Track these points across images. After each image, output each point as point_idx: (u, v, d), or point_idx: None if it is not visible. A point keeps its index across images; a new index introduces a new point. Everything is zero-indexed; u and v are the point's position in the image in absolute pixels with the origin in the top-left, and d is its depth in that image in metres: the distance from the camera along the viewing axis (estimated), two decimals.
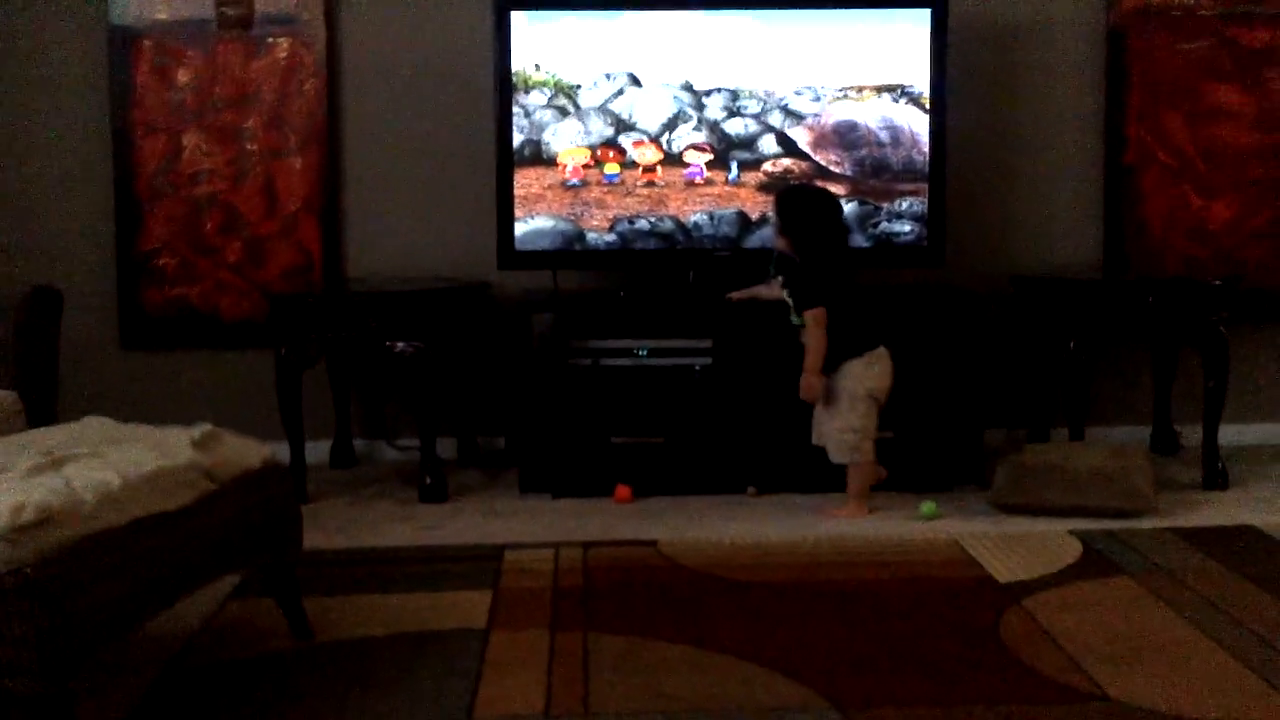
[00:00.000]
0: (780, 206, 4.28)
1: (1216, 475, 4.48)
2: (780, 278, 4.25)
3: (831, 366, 4.18)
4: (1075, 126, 5.07)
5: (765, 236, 4.60)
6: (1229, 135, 5.06)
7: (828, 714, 2.67)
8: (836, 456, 4.21)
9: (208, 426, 2.96)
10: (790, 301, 4.21)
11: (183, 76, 4.89)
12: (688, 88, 4.62)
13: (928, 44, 4.60)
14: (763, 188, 4.63)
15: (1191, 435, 4.77)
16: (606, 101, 4.61)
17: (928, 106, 4.62)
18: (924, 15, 4.60)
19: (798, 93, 4.62)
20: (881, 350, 4.20)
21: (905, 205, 4.64)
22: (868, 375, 4.18)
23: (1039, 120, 5.05)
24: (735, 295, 4.44)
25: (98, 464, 2.63)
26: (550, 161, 4.61)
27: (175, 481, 2.71)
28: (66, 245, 4.92)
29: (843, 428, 4.18)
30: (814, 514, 4.20)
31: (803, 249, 4.19)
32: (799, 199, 4.31)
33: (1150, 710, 2.67)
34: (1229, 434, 4.68)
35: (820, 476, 4.33)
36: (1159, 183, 5.06)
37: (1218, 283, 4.50)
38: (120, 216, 4.91)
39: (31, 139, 4.90)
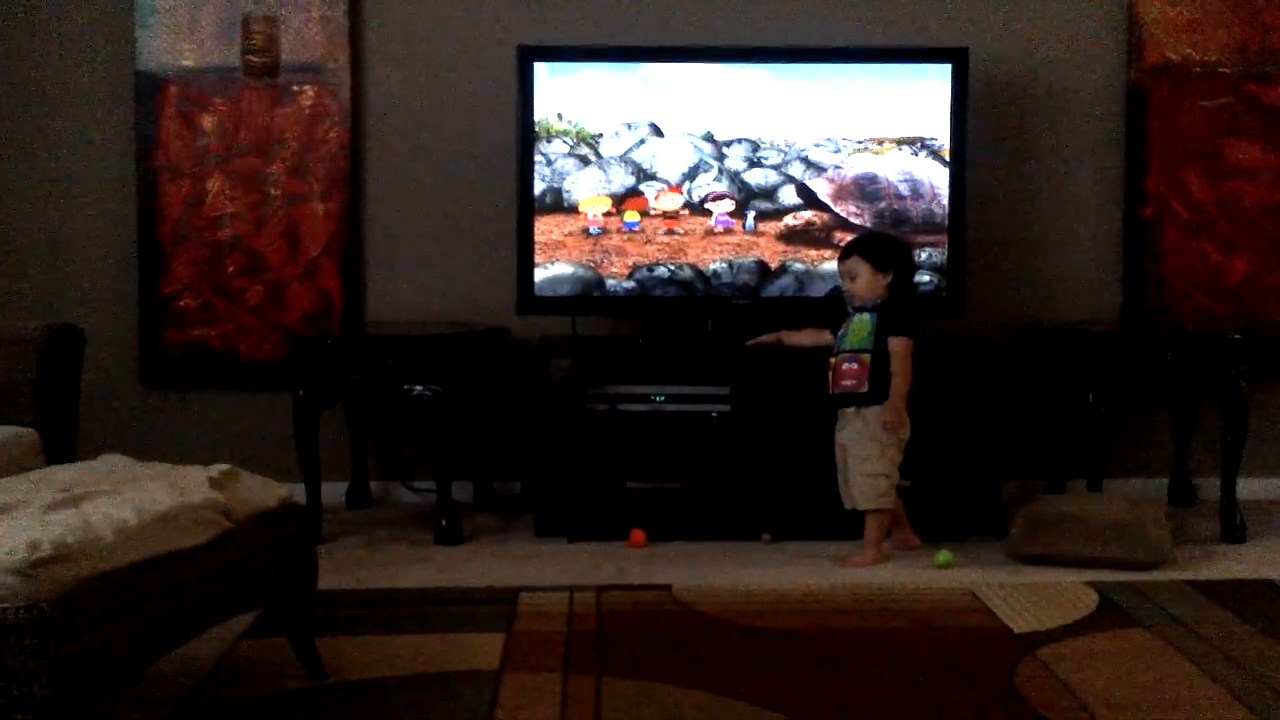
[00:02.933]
0: (874, 248, 4.29)
1: (1234, 528, 4.46)
2: (843, 322, 4.28)
3: (859, 404, 4.19)
4: (1095, 180, 5.08)
5: (784, 285, 4.63)
6: (1248, 191, 5.06)
7: None
8: (864, 503, 4.20)
9: (225, 466, 2.97)
10: (864, 321, 4.21)
11: (208, 122, 4.94)
12: (709, 138, 4.65)
13: (948, 98, 4.63)
14: (782, 237, 4.65)
15: (1209, 488, 4.75)
16: (628, 151, 4.65)
17: (948, 159, 4.65)
18: (945, 70, 4.63)
19: (818, 145, 4.65)
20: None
21: (925, 256, 4.65)
22: (893, 421, 4.18)
23: (1059, 174, 5.07)
24: (762, 340, 4.46)
25: (115, 501, 2.64)
26: (571, 209, 4.64)
27: (192, 520, 2.72)
28: (90, 285, 4.97)
29: (873, 473, 4.17)
30: (830, 561, 4.19)
31: (899, 285, 4.26)
32: (893, 240, 4.42)
33: None
34: (1247, 487, 4.66)
35: (836, 524, 4.32)
36: (1178, 237, 5.06)
37: (1236, 336, 4.49)
38: (143, 258, 4.95)
39: (58, 181, 4.95)
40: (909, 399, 4.20)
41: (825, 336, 4.36)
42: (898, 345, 4.17)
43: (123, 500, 2.65)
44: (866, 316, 4.23)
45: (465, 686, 3.07)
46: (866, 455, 4.18)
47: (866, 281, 4.23)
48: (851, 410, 4.21)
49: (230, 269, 4.97)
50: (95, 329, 4.27)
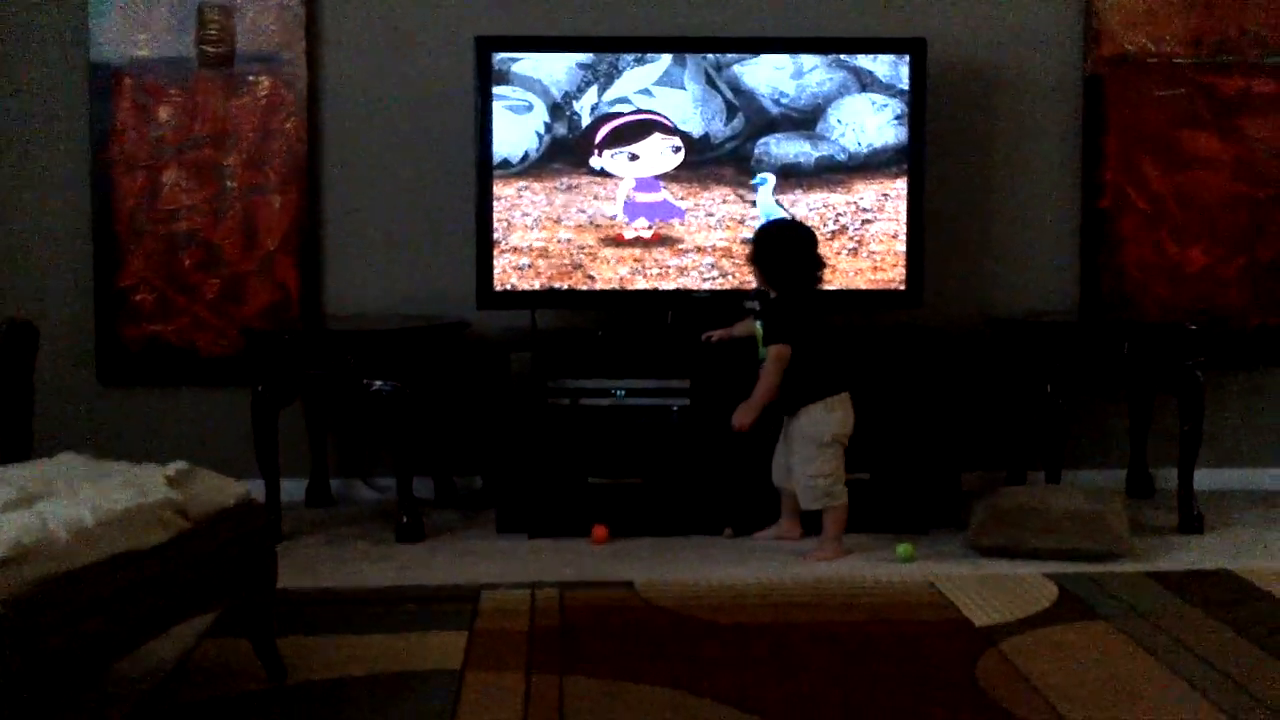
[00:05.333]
0: (755, 239, 4.30)
1: (1192, 519, 4.49)
2: (754, 313, 4.27)
3: (792, 409, 4.20)
4: (1053, 171, 5.10)
5: (741, 279, 4.62)
6: (1205, 182, 5.09)
7: None
8: (809, 504, 4.21)
9: (183, 464, 2.95)
10: (759, 332, 4.23)
11: (163, 114, 4.89)
12: (670, 129, 4.64)
13: (906, 89, 4.64)
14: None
15: (1167, 479, 4.78)
16: None
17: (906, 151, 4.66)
18: (903, 61, 4.63)
19: (774, 131, 4.65)
20: (844, 395, 4.22)
21: (883, 248, 4.66)
22: (829, 420, 4.19)
23: (1017, 164, 5.08)
24: (713, 335, 4.45)
25: (72, 502, 2.62)
26: None
27: (149, 519, 2.70)
28: (44, 281, 4.90)
29: (813, 474, 4.18)
30: (791, 556, 4.19)
31: (776, 283, 4.22)
32: (774, 232, 4.33)
33: None
34: (1205, 478, 4.70)
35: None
36: (1135, 228, 5.09)
37: (1193, 327, 4.52)
38: (99, 252, 4.89)
39: (11, 174, 4.89)
40: (853, 396, 4.23)
41: (750, 325, 4.35)
42: (771, 351, 4.17)
43: (79, 500, 2.63)
44: (756, 324, 4.25)
45: (427, 686, 3.05)
46: (806, 457, 4.19)
47: (759, 277, 4.28)
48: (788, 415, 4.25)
49: (187, 263, 4.92)
50: (50, 325, 4.22)
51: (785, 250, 4.24)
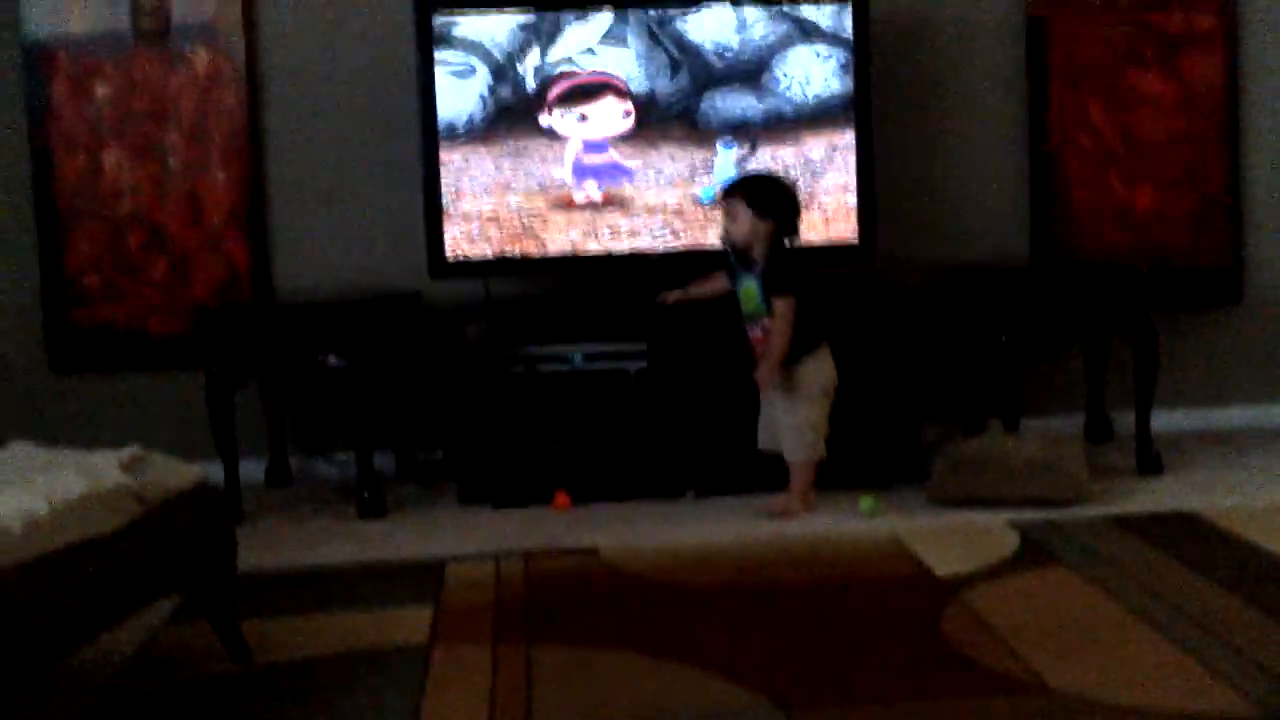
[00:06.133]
0: (756, 190, 4.20)
1: (1151, 461, 4.52)
2: (733, 268, 4.23)
3: (787, 362, 4.17)
4: (999, 115, 5.09)
5: (694, 239, 4.60)
6: (1150, 121, 5.10)
7: (773, 715, 2.67)
8: (797, 454, 4.19)
9: (136, 449, 2.91)
10: (751, 289, 4.18)
11: (100, 91, 4.81)
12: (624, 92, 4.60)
13: (849, 38, 4.61)
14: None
15: (1125, 422, 4.81)
16: None
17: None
18: (845, 9, 4.60)
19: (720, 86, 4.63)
20: (826, 347, 4.21)
21: (834, 200, 4.65)
22: (821, 371, 4.19)
23: (963, 110, 5.07)
24: (670, 296, 4.42)
25: (24, 491, 2.58)
26: None
27: (104, 506, 2.67)
28: None
29: (804, 425, 4.17)
30: (757, 513, 4.19)
31: (783, 233, 4.19)
32: (776, 183, 4.29)
33: (1091, 699, 2.68)
34: (1161, 419, 4.72)
35: (758, 477, 4.33)
36: (1082, 170, 5.09)
37: (1144, 269, 4.54)
38: (41, 235, 4.82)
39: None
40: (832, 349, 4.22)
41: (722, 281, 4.32)
42: (780, 306, 4.12)
43: (32, 490, 2.60)
44: (751, 282, 4.18)
45: (395, 662, 3.04)
46: (795, 409, 4.18)
47: (746, 225, 4.15)
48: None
49: (133, 243, 4.85)
50: None
51: (787, 198, 4.22)
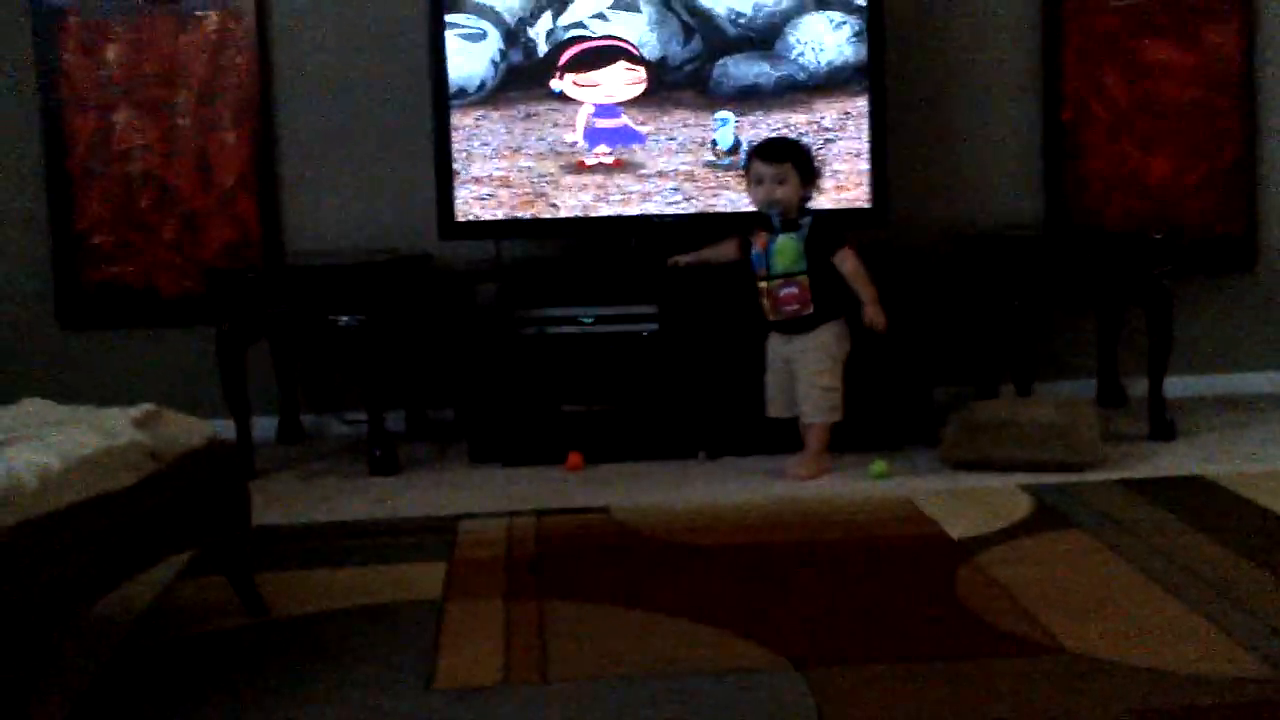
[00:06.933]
0: (803, 157, 4.26)
1: (1163, 426, 4.51)
2: (772, 229, 4.22)
3: (812, 325, 4.18)
4: (1014, 84, 5.07)
5: (705, 203, 4.58)
6: (1166, 90, 5.07)
7: (787, 674, 2.67)
8: (819, 416, 4.20)
9: (150, 406, 2.91)
10: (789, 246, 4.18)
11: (111, 53, 4.80)
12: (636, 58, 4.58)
13: (863, 4, 4.58)
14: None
15: (1138, 388, 4.79)
16: None
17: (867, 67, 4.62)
18: None
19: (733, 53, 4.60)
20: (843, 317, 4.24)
21: (847, 167, 4.63)
22: (845, 334, 4.22)
23: (977, 78, 5.05)
24: (682, 259, 4.41)
25: (38, 447, 2.58)
26: None
27: (118, 462, 2.67)
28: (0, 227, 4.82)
29: (829, 386, 4.18)
30: (774, 476, 4.18)
31: (811, 192, 4.28)
32: (807, 148, 4.36)
33: (1105, 661, 2.68)
34: (1174, 386, 4.71)
35: (769, 439, 4.33)
36: (1097, 138, 5.07)
37: (1158, 236, 4.53)
38: (52, 196, 4.81)
39: None
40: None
41: (732, 247, 4.34)
42: (849, 259, 4.18)
43: (46, 445, 2.59)
44: (791, 240, 4.19)
45: (408, 617, 3.04)
46: (821, 369, 4.18)
47: (792, 190, 4.20)
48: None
49: (143, 203, 4.85)
50: (8, 272, 4.16)
51: (815, 161, 4.33)
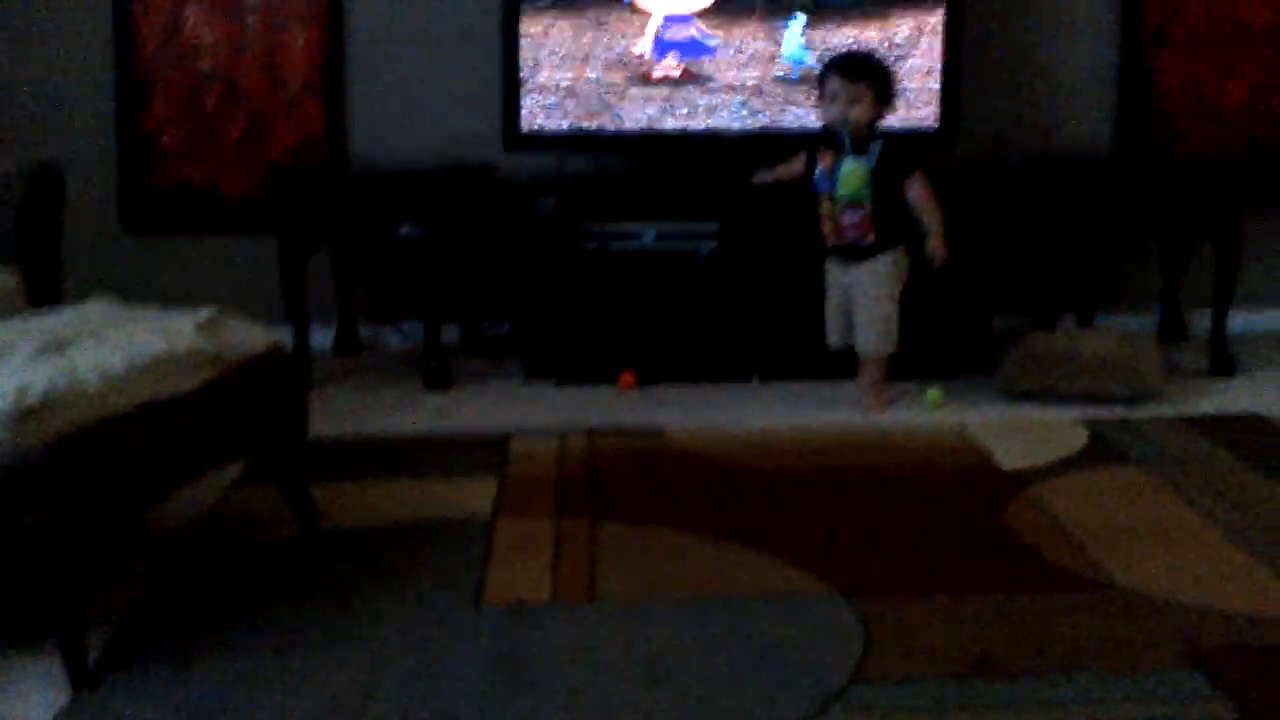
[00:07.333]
0: (881, 77, 4.10)
1: (1224, 362, 4.45)
2: (839, 149, 4.09)
3: (873, 252, 4.08)
4: (1091, 4, 4.95)
5: (769, 119, 4.53)
6: (1247, 13, 4.94)
7: (835, 600, 2.68)
8: (880, 347, 4.11)
9: (212, 311, 2.91)
10: (858, 171, 4.05)
11: None
12: None
13: None
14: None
15: (1200, 322, 4.72)
16: None
17: None
18: None
19: None
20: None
21: (917, 85, 4.55)
22: (902, 264, 4.11)
23: None
24: (758, 177, 4.33)
25: (102, 348, 2.60)
26: None
27: (180, 366, 2.69)
28: (66, 123, 4.83)
29: (889, 315, 4.09)
30: (827, 402, 4.16)
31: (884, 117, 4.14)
32: (885, 66, 4.19)
33: (1157, 598, 2.68)
34: (1237, 321, 4.64)
35: (825, 365, 4.31)
36: (1175, 59, 4.95)
37: (1232, 165, 4.42)
38: (121, 94, 4.82)
39: (30, 17, 4.79)
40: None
41: (800, 164, 4.23)
42: (921, 187, 4.04)
43: (110, 347, 2.61)
44: (859, 165, 4.05)
45: (459, 532, 3.07)
46: (879, 298, 4.09)
47: (867, 110, 4.05)
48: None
49: (210, 103, 4.85)
50: (73, 170, 4.14)
51: (892, 80, 4.16)
